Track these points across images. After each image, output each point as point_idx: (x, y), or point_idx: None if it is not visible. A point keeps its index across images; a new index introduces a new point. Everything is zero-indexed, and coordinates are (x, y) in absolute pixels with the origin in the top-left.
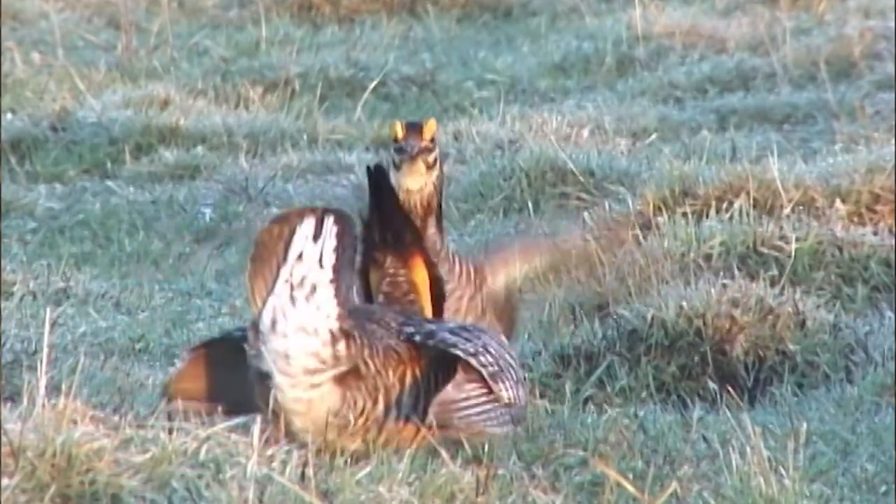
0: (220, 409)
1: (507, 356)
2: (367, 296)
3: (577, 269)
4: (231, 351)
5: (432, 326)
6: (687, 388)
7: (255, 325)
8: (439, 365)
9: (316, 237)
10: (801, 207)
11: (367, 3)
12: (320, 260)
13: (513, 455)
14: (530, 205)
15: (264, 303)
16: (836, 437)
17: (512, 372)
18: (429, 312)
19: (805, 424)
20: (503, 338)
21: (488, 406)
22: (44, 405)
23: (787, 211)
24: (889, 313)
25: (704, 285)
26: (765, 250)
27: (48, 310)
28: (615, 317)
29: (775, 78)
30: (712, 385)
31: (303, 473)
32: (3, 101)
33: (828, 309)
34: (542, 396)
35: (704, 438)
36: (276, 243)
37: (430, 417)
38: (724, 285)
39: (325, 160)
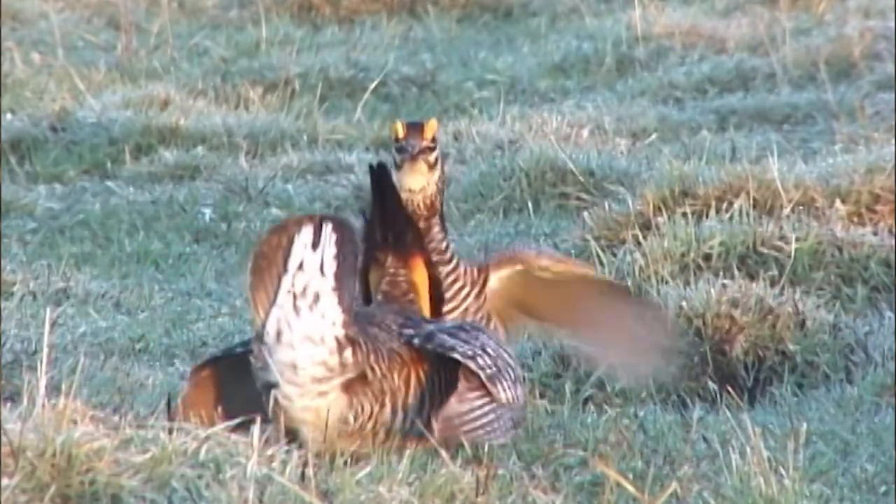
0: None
1: (505, 355)
2: (367, 294)
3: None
4: (234, 367)
5: (430, 327)
6: (687, 388)
7: (260, 337)
8: (441, 365)
9: (315, 245)
10: (801, 207)
11: (367, 4)
12: (321, 268)
13: (513, 455)
14: (530, 205)
15: (267, 314)
16: (836, 437)
17: (510, 371)
18: (427, 313)
19: (805, 424)
20: (501, 337)
21: (492, 416)
22: (44, 405)
23: (787, 211)
24: (889, 313)
25: (704, 285)
26: (765, 250)
27: (48, 310)
28: None
29: (775, 78)
30: (712, 385)
31: (303, 473)
32: (3, 101)
33: (828, 309)
34: (542, 396)
35: (704, 438)
36: (276, 253)
37: (436, 434)
38: (724, 285)
39: (325, 160)
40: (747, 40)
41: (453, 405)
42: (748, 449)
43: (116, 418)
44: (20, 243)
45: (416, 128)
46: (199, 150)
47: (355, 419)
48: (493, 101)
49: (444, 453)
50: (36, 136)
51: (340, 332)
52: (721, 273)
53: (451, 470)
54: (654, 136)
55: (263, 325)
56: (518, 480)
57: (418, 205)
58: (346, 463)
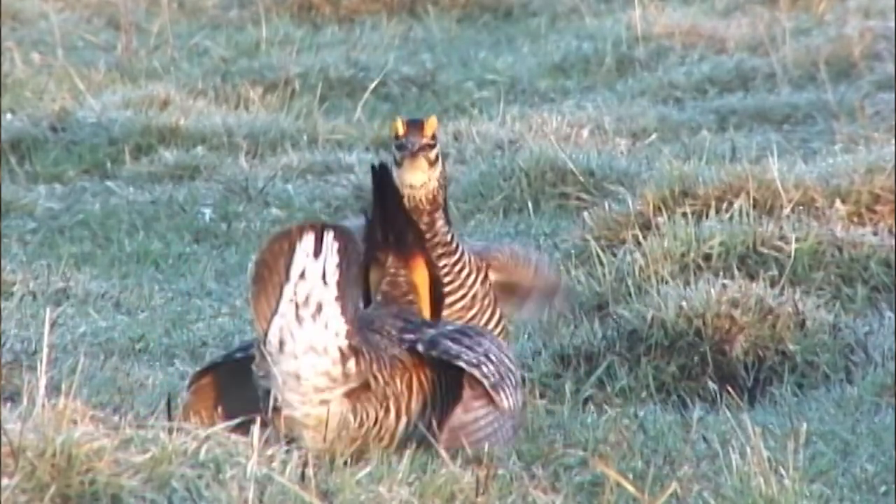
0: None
1: (506, 360)
2: (366, 294)
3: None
4: (235, 373)
5: (432, 331)
6: (687, 388)
7: (262, 346)
8: (443, 368)
9: (317, 253)
10: (801, 207)
11: (367, 3)
12: (323, 277)
13: (513, 455)
14: (530, 205)
15: (269, 323)
16: (836, 437)
17: (511, 377)
18: (427, 313)
19: (805, 424)
20: (501, 339)
21: (496, 425)
22: (44, 405)
23: (786, 211)
24: (889, 313)
25: (704, 285)
26: (765, 250)
27: (48, 310)
28: (615, 317)
29: (775, 78)
30: (712, 385)
31: (303, 473)
32: (3, 101)
33: (828, 309)
34: (542, 396)
35: (704, 438)
36: (277, 262)
37: (441, 444)
38: (724, 285)
39: (325, 160)
40: (747, 40)
41: (459, 416)
42: (748, 449)
43: (116, 418)
44: (20, 243)
45: (416, 125)
46: (199, 150)
47: (360, 425)
48: (493, 101)
49: (444, 453)
50: (36, 136)
51: (344, 343)
52: (721, 273)
53: (451, 470)
54: (654, 136)
55: (265, 334)
56: (518, 480)
57: (420, 200)
58: (346, 463)
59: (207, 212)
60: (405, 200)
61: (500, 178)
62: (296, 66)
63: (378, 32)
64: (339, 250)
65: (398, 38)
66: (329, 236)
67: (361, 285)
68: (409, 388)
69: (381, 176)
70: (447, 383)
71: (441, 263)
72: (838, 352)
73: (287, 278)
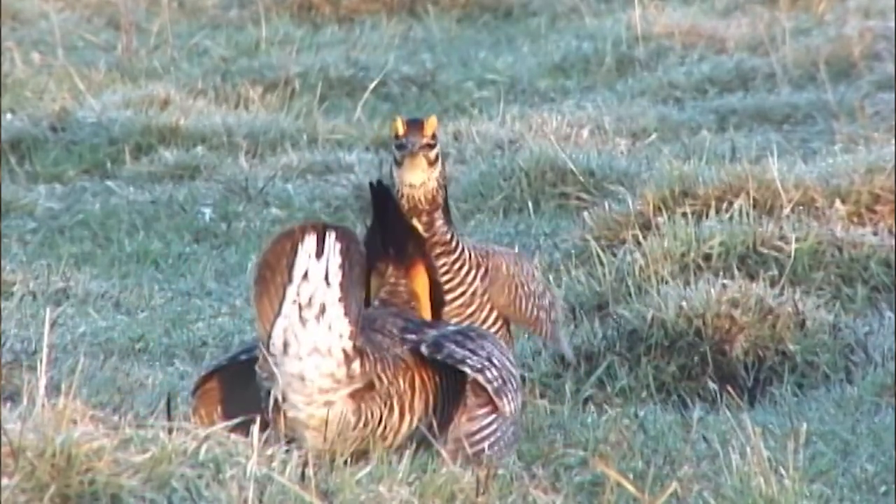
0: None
1: (507, 363)
2: (367, 301)
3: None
4: (239, 375)
5: (434, 332)
6: (687, 388)
7: (266, 348)
8: (444, 366)
9: (319, 254)
10: (801, 207)
11: (367, 3)
12: (326, 278)
13: (513, 455)
14: (530, 205)
15: (272, 324)
16: (836, 437)
17: (512, 381)
18: (427, 316)
19: (805, 424)
20: (501, 340)
21: (499, 433)
22: (43, 405)
23: (787, 211)
24: (889, 313)
25: (704, 285)
26: (765, 250)
27: (48, 310)
28: (615, 317)
29: (775, 78)
30: (712, 385)
31: (303, 473)
32: (3, 101)
33: (828, 309)
34: (542, 396)
35: (704, 438)
36: (279, 263)
37: (444, 453)
38: (724, 285)
39: (325, 160)
40: (747, 40)
41: (463, 424)
42: (748, 449)
43: (116, 418)
44: (20, 243)
45: (416, 124)
46: (199, 149)
47: (364, 425)
48: (493, 101)
49: (444, 453)
50: (36, 136)
51: (348, 344)
52: (721, 273)
53: (451, 470)
54: (654, 136)
55: (269, 336)
56: (518, 480)
57: (419, 200)
58: (346, 463)
59: (207, 211)
60: (404, 200)
61: (500, 178)
62: (296, 65)
63: (378, 32)
64: (341, 251)
65: (398, 37)
66: (331, 237)
67: (364, 285)
68: (413, 387)
69: (380, 193)
70: (448, 381)
71: (440, 262)
72: (838, 352)
73: (290, 279)
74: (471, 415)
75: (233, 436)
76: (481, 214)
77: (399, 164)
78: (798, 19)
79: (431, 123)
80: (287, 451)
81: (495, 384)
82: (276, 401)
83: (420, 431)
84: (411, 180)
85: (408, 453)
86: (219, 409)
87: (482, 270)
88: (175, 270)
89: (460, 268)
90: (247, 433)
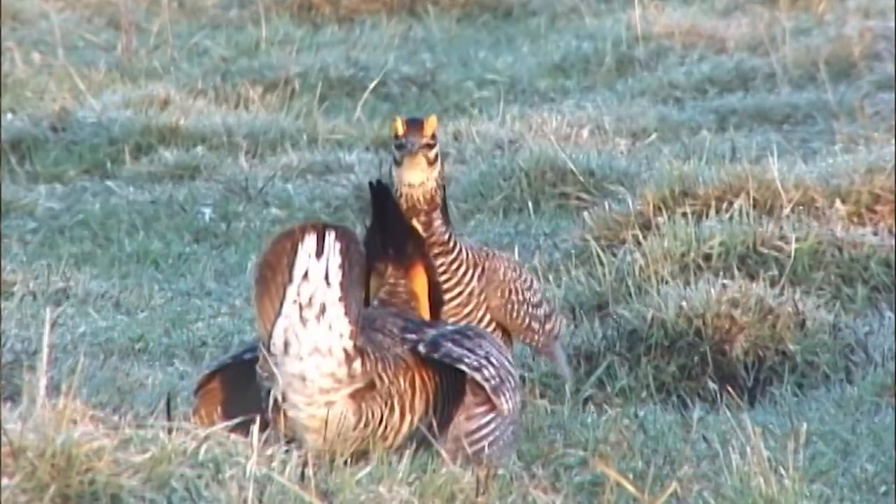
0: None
1: (506, 363)
2: (366, 302)
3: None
4: (243, 374)
5: (433, 332)
6: (687, 388)
7: (266, 348)
8: (444, 366)
9: (319, 254)
10: (801, 207)
11: (367, 3)
12: (326, 277)
13: (513, 455)
14: (530, 205)
15: (273, 324)
16: (836, 437)
17: (511, 380)
18: (427, 317)
19: (805, 424)
20: (500, 340)
21: (497, 433)
22: (44, 405)
23: (787, 211)
24: (889, 313)
25: (704, 285)
26: (765, 250)
27: (48, 310)
28: (615, 317)
29: (775, 78)
30: (712, 385)
31: (302, 473)
32: (3, 101)
33: (828, 309)
34: (542, 396)
35: (704, 438)
36: (280, 263)
37: (444, 453)
38: (724, 285)
39: (325, 160)
40: (747, 40)
41: (461, 423)
42: (748, 449)
43: (116, 418)
44: (20, 243)
45: (415, 124)
46: (199, 149)
47: (365, 425)
48: (493, 100)
49: (444, 453)
50: (36, 136)
51: (349, 344)
52: (721, 273)
53: (451, 470)
54: (654, 136)
55: (270, 336)
56: (518, 480)
57: (418, 199)
58: (346, 463)
59: (207, 211)
60: (403, 199)
61: (500, 178)
62: (296, 65)
63: (378, 32)
64: (341, 250)
65: (398, 37)
66: (331, 236)
67: (364, 285)
68: (413, 386)
69: (380, 193)
70: (448, 381)
71: (438, 262)
72: (838, 352)
73: (290, 279)
74: (469, 413)
75: (232, 436)
76: (481, 214)
77: (399, 163)
78: (798, 19)
79: (431, 123)
80: (287, 451)
81: (493, 382)
82: (276, 401)
83: (420, 431)
84: (410, 180)
85: (408, 453)
86: (221, 408)
87: (479, 270)
88: (175, 270)
89: (458, 268)
90: (247, 433)
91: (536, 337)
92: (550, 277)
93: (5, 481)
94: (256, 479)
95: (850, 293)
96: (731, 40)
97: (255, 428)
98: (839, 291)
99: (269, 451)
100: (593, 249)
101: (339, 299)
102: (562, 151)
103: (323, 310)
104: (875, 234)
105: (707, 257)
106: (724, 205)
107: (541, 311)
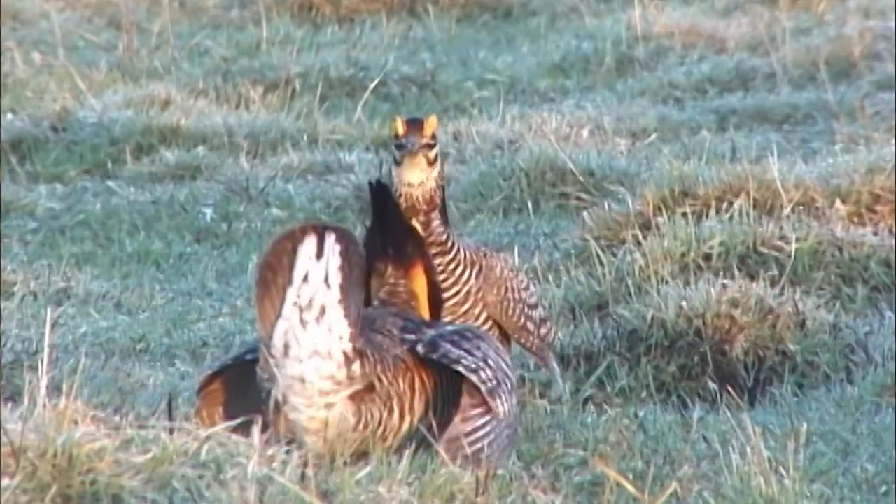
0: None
1: (503, 365)
2: (367, 302)
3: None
4: (245, 375)
5: (432, 332)
6: (687, 388)
7: (266, 349)
8: (443, 367)
9: (319, 256)
10: (801, 207)
11: (367, 3)
12: (326, 280)
13: (512, 455)
14: (530, 205)
15: (273, 326)
16: (836, 437)
17: (507, 382)
18: (427, 316)
19: (805, 424)
20: (498, 341)
21: (493, 435)
22: (45, 405)
23: (787, 211)
24: (889, 313)
25: (704, 285)
26: (765, 250)
27: (49, 310)
28: (615, 317)
29: (775, 78)
30: (712, 385)
31: (303, 473)
32: (4, 101)
33: (828, 309)
34: (542, 396)
35: (704, 438)
36: (280, 264)
37: (443, 453)
38: (724, 285)
39: (326, 160)
40: (747, 40)
41: (457, 426)
42: (748, 449)
43: (117, 418)
44: (21, 243)
45: (415, 124)
46: (200, 149)
47: (364, 427)
48: (493, 100)
49: (444, 453)
50: (37, 136)
51: (348, 346)
52: (721, 273)
53: (451, 470)
54: (654, 136)
55: (270, 338)
56: (518, 480)
57: (417, 199)
58: (346, 463)
59: (208, 212)
60: (402, 199)
61: (500, 178)
62: (296, 65)
63: (378, 32)
64: (341, 252)
65: (398, 37)
66: (331, 238)
67: (364, 287)
68: (412, 387)
69: (380, 192)
70: (447, 382)
71: (436, 262)
72: (838, 352)
73: (290, 281)
74: (465, 415)
75: (234, 436)
76: (481, 214)
77: (399, 163)
78: (798, 19)
79: (431, 123)
80: (287, 451)
81: (489, 385)
82: (276, 402)
83: (419, 432)
84: (410, 179)
85: (407, 453)
86: (223, 409)
87: (476, 268)
88: (176, 270)
89: (455, 268)
90: (248, 434)
91: (531, 338)
92: (550, 277)
93: (6, 481)
94: (257, 480)
95: (850, 293)
96: (731, 40)
97: (256, 428)
98: (839, 291)
99: (270, 452)
100: (593, 249)
101: (339, 301)
102: (562, 151)
103: (323, 312)
104: (875, 234)
105: (707, 257)
106: (724, 205)
107: (536, 314)
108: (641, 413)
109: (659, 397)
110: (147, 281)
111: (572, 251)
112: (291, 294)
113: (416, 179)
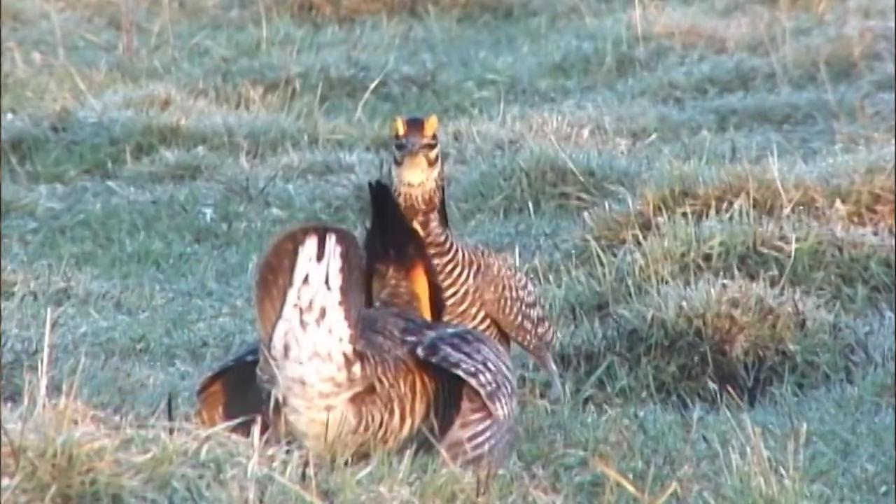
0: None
1: (503, 367)
2: (368, 304)
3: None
4: (246, 376)
5: (432, 334)
6: (687, 388)
7: (267, 350)
8: (443, 369)
9: (319, 257)
10: (801, 207)
11: (367, 3)
12: (326, 281)
13: (513, 455)
14: (530, 205)
15: (274, 327)
16: (836, 437)
17: (507, 385)
18: (428, 317)
19: (805, 424)
20: (498, 344)
21: (493, 440)
22: (44, 405)
23: (787, 211)
24: (889, 313)
25: (704, 285)
26: (765, 250)
27: (49, 310)
28: (615, 317)
29: (775, 78)
30: (712, 385)
31: (303, 473)
32: (4, 101)
33: (828, 309)
34: (542, 396)
35: (704, 438)
36: (280, 266)
37: (444, 454)
38: (724, 285)
39: (326, 160)
40: (747, 40)
41: (456, 431)
42: (748, 449)
43: (117, 418)
44: (21, 243)
45: (416, 124)
46: (200, 149)
47: (365, 429)
48: (493, 101)
49: (444, 453)
50: (37, 136)
51: (348, 348)
52: (721, 273)
53: (452, 470)
54: (654, 136)
55: (270, 339)
56: (518, 480)
57: (417, 199)
58: (346, 463)
59: (208, 212)
60: (401, 199)
61: (500, 178)
62: (296, 65)
63: (378, 32)
64: (341, 254)
65: (398, 37)
66: (331, 240)
67: (364, 289)
68: (413, 389)
69: (380, 193)
70: (447, 384)
71: (434, 262)
72: (838, 352)
73: (290, 282)
74: (464, 420)
75: (234, 436)
76: (481, 214)
77: (399, 163)
78: (798, 19)
79: (432, 123)
80: (288, 451)
81: (489, 388)
82: (276, 404)
83: (420, 434)
84: (410, 179)
85: (408, 454)
86: (223, 410)
87: (475, 268)
88: (176, 270)
89: (453, 268)
90: (248, 433)
91: (529, 337)
92: (550, 277)
93: (6, 481)
94: (258, 480)
95: (850, 293)
96: (731, 40)
97: (256, 428)
98: (839, 291)
99: (270, 452)
100: (593, 249)
101: (339, 303)
102: (562, 151)
103: (323, 314)
104: (875, 234)
105: (707, 257)
106: (724, 205)
107: (534, 313)
108: (641, 413)
109: (659, 397)
110: (147, 281)
111: (573, 251)
112: (292, 295)
113: (416, 180)
